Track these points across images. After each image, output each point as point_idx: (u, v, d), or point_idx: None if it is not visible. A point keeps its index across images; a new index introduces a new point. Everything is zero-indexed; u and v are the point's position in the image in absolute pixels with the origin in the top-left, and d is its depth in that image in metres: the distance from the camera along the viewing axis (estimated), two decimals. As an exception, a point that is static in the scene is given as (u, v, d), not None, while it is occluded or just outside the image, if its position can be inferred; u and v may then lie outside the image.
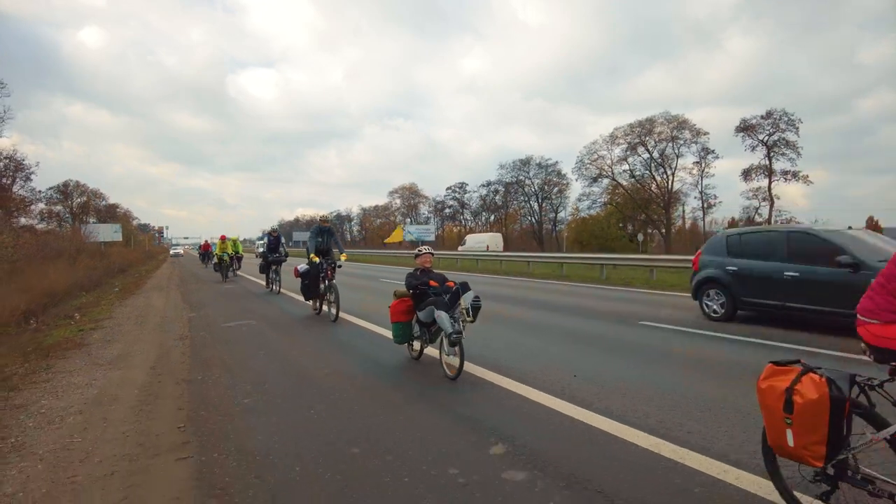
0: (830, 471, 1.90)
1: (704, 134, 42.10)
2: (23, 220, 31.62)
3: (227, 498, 2.38)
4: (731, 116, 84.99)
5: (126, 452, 2.95)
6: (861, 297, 1.99)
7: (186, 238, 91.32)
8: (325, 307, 8.03)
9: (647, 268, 13.73)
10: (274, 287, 12.08)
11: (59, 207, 52.93)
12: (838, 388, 1.81)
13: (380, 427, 3.20)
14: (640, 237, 38.99)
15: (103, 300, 11.65)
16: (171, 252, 55.24)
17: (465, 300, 4.15)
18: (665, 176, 44.20)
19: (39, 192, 42.20)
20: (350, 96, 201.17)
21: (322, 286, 7.92)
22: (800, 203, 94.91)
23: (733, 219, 43.30)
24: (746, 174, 40.21)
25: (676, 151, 43.26)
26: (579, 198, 48.70)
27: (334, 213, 78.36)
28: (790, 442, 1.88)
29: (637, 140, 43.79)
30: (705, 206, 43.21)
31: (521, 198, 55.71)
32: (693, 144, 42.60)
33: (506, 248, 44.18)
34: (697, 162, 42.70)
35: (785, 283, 6.07)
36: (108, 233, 40.53)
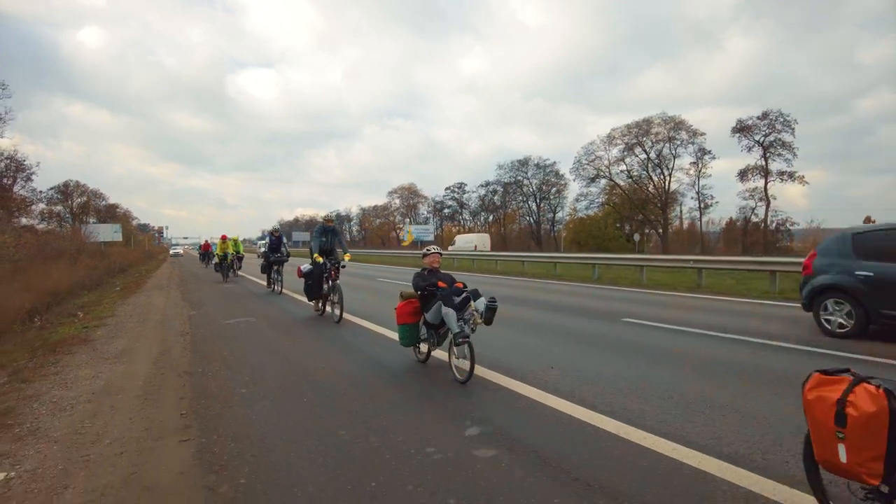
0: (885, 489, 1.72)
1: (701, 135, 42.43)
2: (23, 221, 31.91)
3: (226, 473, 2.64)
4: (731, 116, 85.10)
5: (133, 435, 3.22)
6: None
7: (186, 238, 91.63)
8: (328, 308, 7.94)
9: (638, 267, 13.98)
10: (276, 287, 11.96)
11: (59, 207, 53.22)
12: None
13: (367, 413, 3.47)
14: (637, 237, 39.23)
15: (105, 299, 11.90)
16: (171, 252, 55.48)
17: (479, 305, 4.08)
18: (662, 176, 44.54)
19: (40, 192, 42.51)
20: (350, 96, 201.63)
21: (325, 287, 7.80)
22: (799, 203, 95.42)
23: (731, 219, 43.66)
24: (743, 175, 40.49)
25: (673, 152, 43.59)
26: (577, 198, 49.06)
27: (334, 214, 78.64)
28: (842, 458, 1.72)
29: (634, 141, 44.09)
30: (702, 206, 43.52)
31: (520, 198, 56.03)
32: (690, 145, 42.94)
33: (504, 249, 44.89)
34: (694, 162, 43.04)
35: None
36: (108, 233, 40.75)
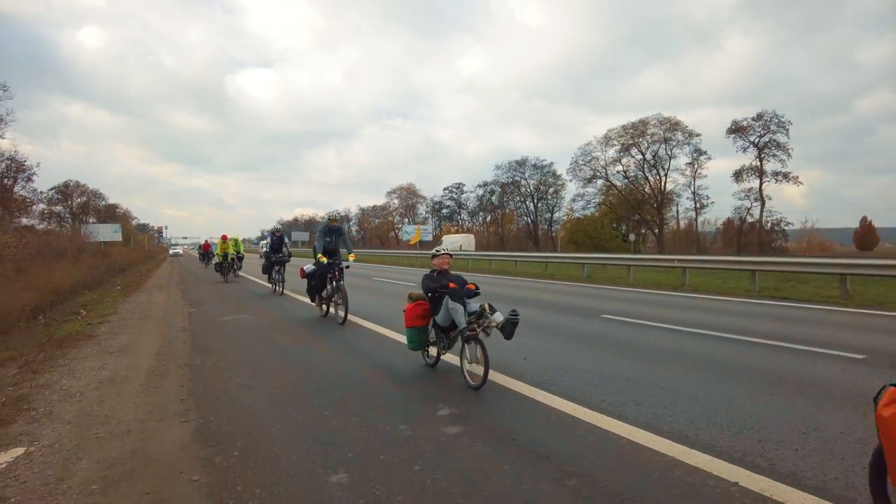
0: None
1: (696, 135, 42.81)
2: (24, 221, 32.21)
3: (221, 447, 2.98)
4: (730, 116, 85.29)
5: (138, 417, 3.56)
6: None
7: (185, 238, 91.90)
8: (332, 309, 7.80)
9: (626, 267, 14.32)
10: (278, 288, 11.83)
11: (59, 207, 53.54)
12: None
13: (350, 399, 3.82)
14: (632, 237, 39.58)
15: (107, 297, 12.25)
16: (171, 252, 55.81)
17: (497, 317, 3.92)
18: (658, 177, 44.91)
19: (41, 192, 42.78)
20: (349, 96, 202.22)
21: (329, 287, 7.69)
22: (799, 203, 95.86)
23: (728, 219, 44.02)
24: (738, 175, 40.88)
25: (669, 153, 43.94)
26: (574, 198, 49.41)
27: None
28: None
29: (630, 141, 44.45)
30: (698, 206, 43.90)
31: (517, 198, 56.38)
32: (686, 145, 43.32)
33: (502, 249, 45.26)
34: (690, 163, 43.41)
35: None
36: (107, 233, 41.06)
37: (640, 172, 45.52)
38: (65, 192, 54.43)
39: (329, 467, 2.65)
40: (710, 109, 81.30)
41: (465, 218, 63.74)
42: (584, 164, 46.93)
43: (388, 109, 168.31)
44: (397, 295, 10.31)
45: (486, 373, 3.82)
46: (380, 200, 79.75)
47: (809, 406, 3.45)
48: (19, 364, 5.38)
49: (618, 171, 46.07)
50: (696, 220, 44.74)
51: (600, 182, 47.17)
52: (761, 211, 40.09)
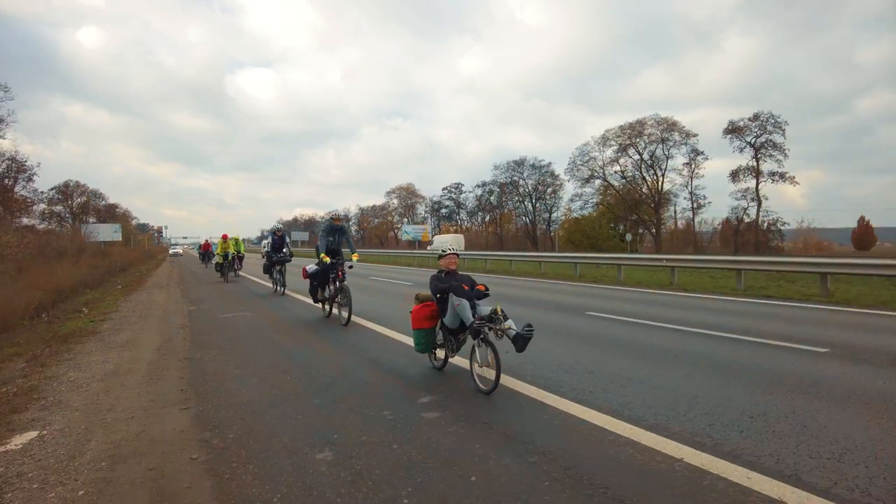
0: None
1: (693, 136, 43.11)
2: (24, 221, 32.47)
3: (218, 430, 3.25)
4: (731, 116, 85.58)
5: (141, 405, 3.83)
6: None
7: (185, 238, 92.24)
8: (335, 310, 7.72)
9: (616, 266, 14.58)
10: (279, 288, 11.73)
11: (59, 207, 53.83)
12: None
13: (337, 388, 4.09)
14: (629, 237, 39.87)
15: (108, 296, 12.51)
16: (171, 252, 56.08)
17: (509, 324, 3.79)
18: (655, 177, 45.19)
19: (41, 192, 43.04)
20: (349, 96, 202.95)
21: (333, 288, 7.64)
22: (798, 203, 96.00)
23: (727, 219, 44.30)
24: (734, 175, 41.18)
25: (666, 153, 44.24)
26: (572, 198, 49.72)
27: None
28: None
29: (627, 142, 44.73)
30: (695, 206, 44.19)
31: (516, 198, 56.67)
32: (683, 146, 43.61)
33: (500, 248, 45.59)
34: (687, 163, 43.69)
35: None
36: (107, 233, 41.33)
37: (638, 173, 45.86)
38: (65, 192, 54.73)
39: (316, 447, 2.92)
40: (710, 109, 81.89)
41: (464, 218, 64.10)
42: (582, 165, 47.28)
43: (387, 109, 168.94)
44: (398, 295, 10.57)
45: (497, 377, 3.71)
46: (379, 200, 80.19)
47: (760, 392, 3.72)
48: (27, 359, 5.65)
49: (615, 172, 46.42)
50: (693, 220, 45.07)
51: (598, 182, 47.52)
52: (758, 211, 40.42)
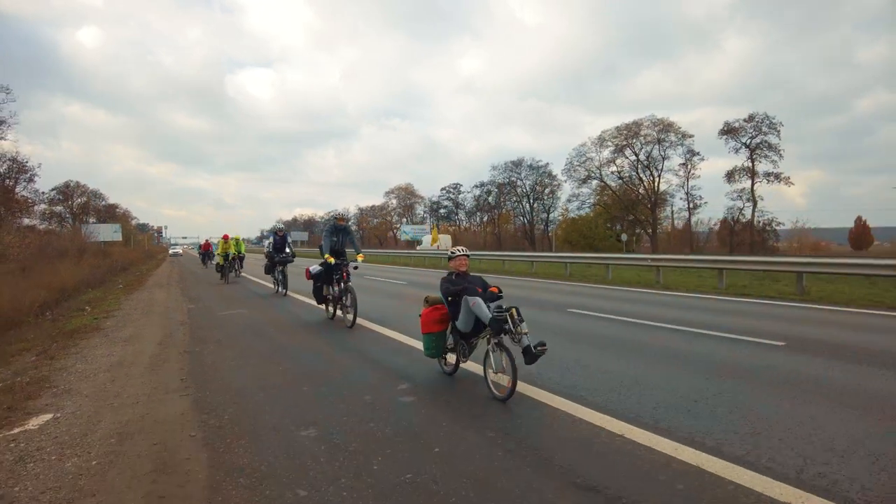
0: None
1: (689, 136, 43.48)
2: (26, 221, 32.86)
3: (214, 412, 3.62)
4: (729, 116, 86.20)
5: (145, 392, 4.19)
6: None
7: (185, 238, 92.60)
8: (339, 312, 7.55)
9: (605, 265, 14.94)
10: (280, 289, 11.58)
11: (59, 208, 54.25)
12: None
13: (323, 376, 4.45)
14: (624, 237, 40.25)
15: (110, 295, 12.88)
16: (171, 252, 56.44)
17: (524, 328, 3.71)
18: (651, 177, 45.57)
19: (42, 193, 43.44)
20: (348, 96, 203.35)
21: (336, 289, 7.49)
22: (797, 203, 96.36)
23: (724, 219, 44.63)
24: (730, 176, 41.58)
25: (662, 153, 44.63)
26: (569, 199, 50.15)
27: (332, 213, 79.37)
28: None
29: (624, 142, 45.12)
30: (691, 206, 44.58)
31: (514, 198, 57.05)
32: (679, 146, 43.99)
33: (499, 248, 46.00)
34: (683, 164, 44.08)
35: None
36: (108, 233, 41.75)
37: (634, 173, 46.24)
38: (65, 192, 55.15)
39: (301, 425, 3.29)
40: (709, 109, 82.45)
41: (463, 218, 64.45)
42: (579, 165, 47.67)
43: (386, 109, 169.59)
44: (398, 295, 10.90)
45: (513, 383, 3.56)
46: (378, 200, 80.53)
47: (704, 379, 4.08)
48: (36, 352, 6.01)
49: (612, 172, 46.82)
50: (689, 220, 45.44)
51: (595, 182, 47.92)
52: (753, 211, 40.80)
